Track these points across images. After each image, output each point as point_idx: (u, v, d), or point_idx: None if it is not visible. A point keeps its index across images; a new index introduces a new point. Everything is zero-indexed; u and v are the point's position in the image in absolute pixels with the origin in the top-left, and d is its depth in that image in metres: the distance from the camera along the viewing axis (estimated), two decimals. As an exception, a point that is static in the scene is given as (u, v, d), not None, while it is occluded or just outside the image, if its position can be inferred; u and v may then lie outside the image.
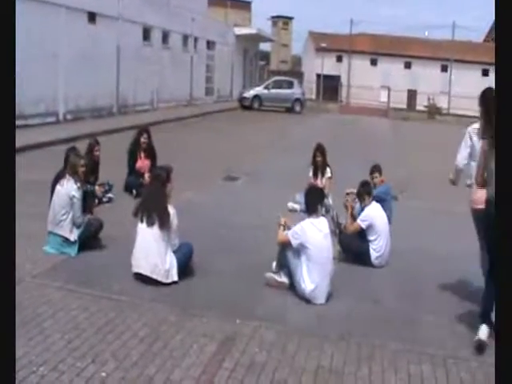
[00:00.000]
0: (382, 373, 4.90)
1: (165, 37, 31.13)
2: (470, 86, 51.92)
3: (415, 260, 8.13)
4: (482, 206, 5.76)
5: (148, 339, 5.14)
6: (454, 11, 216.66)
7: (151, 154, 11.28)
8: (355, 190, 8.29)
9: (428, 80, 64.19)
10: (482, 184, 5.60)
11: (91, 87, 22.86)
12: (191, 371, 4.65)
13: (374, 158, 13.01)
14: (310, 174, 10.98)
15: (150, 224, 6.42)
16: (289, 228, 6.65)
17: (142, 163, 11.16)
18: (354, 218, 8.12)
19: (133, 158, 11.18)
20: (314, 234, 6.37)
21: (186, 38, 34.33)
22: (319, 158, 10.86)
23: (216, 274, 6.97)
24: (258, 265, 7.09)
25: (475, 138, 6.36)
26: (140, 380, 4.47)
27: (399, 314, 6.23)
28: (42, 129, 18.67)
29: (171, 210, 6.54)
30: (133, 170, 11.13)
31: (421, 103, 58.37)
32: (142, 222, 6.50)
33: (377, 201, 8.12)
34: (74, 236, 7.29)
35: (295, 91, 39.57)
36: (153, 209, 6.47)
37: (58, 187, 7.47)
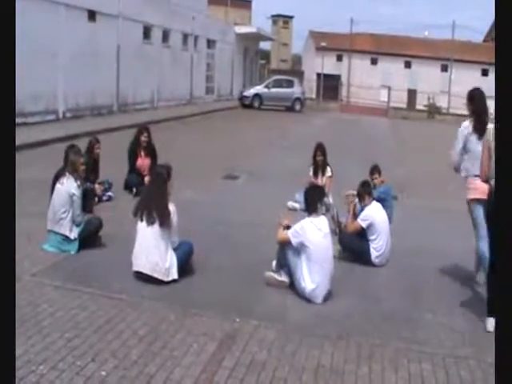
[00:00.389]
0: (382, 371, 4.90)
1: (165, 35, 31.09)
2: (469, 85, 51.67)
3: (415, 259, 8.12)
4: (479, 196, 6.57)
5: (148, 338, 5.13)
6: (453, 11, 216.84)
7: (151, 152, 11.27)
8: (354, 192, 8.27)
9: (428, 79, 64.21)
10: (486, 178, 5.94)
11: (91, 85, 22.85)
12: (191, 370, 4.64)
13: (374, 157, 13.02)
14: (311, 172, 10.97)
15: (150, 223, 6.42)
16: (289, 228, 6.63)
17: (142, 162, 11.15)
18: (355, 216, 8.10)
19: (133, 156, 11.18)
20: (314, 233, 6.36)
21: (186, 36, 34.30)
22: (320, 157, 10.86)
23: (216, 273, 6.96)
24: (258, 263, 7.09)
25: (466, 133, 6.88)
26: (140, 379, 4.46)
27: (399, 312, 6.23)
28: (41, 127, 18.65)
29: (171, 207, 6.53)
30: (133, 169, 11.12)
31: (420, 103, 58.42)
32: (141, 220, 6.49)
33: (377, 201, 8.13)
34: (73, 234, 7.28)
35: (295, 90, 39.60)
36: (153, 207, 6.45)
37: (57, 185, 7.46)
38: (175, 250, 6.57)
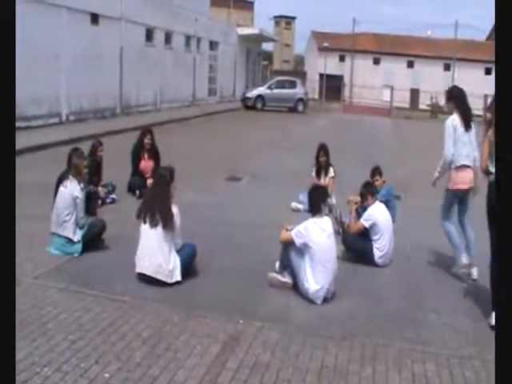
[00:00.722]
0: (386, 372, 4.89)
1: (168, 37, 31.13)
2: (472, 84, 51.80)
3: (418, 259, 8.12)
4: (461, 187, 7.28)
5: (151, 340, 5.14)
6: (456, 10, 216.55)
7: (155, 154, 11.29)
8: (358, 198, 8.25)
9: (431, 79, 64.09)
10: (486, 171, 6.13)
11: (94, 88, 22.89)
12: (195, 372, 4.65)
13: (376, 157, 13.01)
14: (314, 173, 10.97)
15: (154, 225, 6.43)
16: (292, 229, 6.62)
17: (146, 164, 11.17)
18: (359, 216, 8.08)
19: (136, 158, 11.19)
20: (318, 233, 6.36)
21: (188, 38, 34.34)
22: (323, 158, 10.85)
23: (219, 274, 6.97)
24: (261, 265, 7.09)
25: (454, 123, 7.27)
26: (143, 381, 4.46)
27: (403, 312, 6.22)
28: (44, 130, 18.69)
29: (175, 209, 6.54)
30: (136, 171, 11.13)
31: (423, 102, 58.28)
32: (144, 222, 6.50)
33: (380, 201, 8.12)
34: (77, 237, 7.30)
35: (298, 91, 39.59)
36: (156, 210, 6.46)
37: (61, 188, 7.47)
38: (178, 252, 6.57)
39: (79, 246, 7.28)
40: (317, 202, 6.62)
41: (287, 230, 6.67)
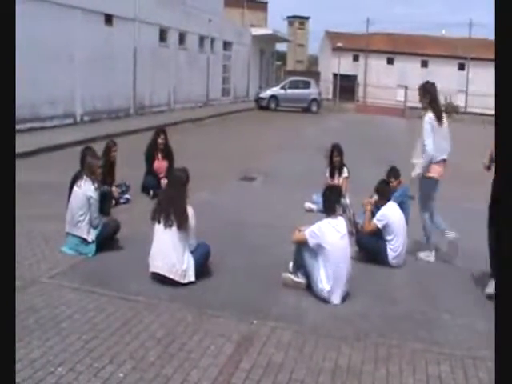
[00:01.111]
0: (399, 373, 4.87)
1: (181, 38, 31.22)
2: (487, 84, 51.56)
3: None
4: (441, 176, 7.90)
5: (165, 340, 5.14)
6: (470, 9, 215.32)
7: (168, 154, 11.32)
8: (372, 200, 8.20)
9: (445, 78, 63.52)
10: (489, 166, 6.58)
11: (108, 89, 23.02)
12: (208, 372, 4.65)
13: (390, 157, 12.93)
14: (327, 173, 10.94)
15: (168, 225, 6.43)
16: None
17: (160, 164, 11.20)
18: (373, 216, 8.03)
19: (150, 158, 11.22)
20: (332, 234, 6.34)
21: (202, 38, 34.44)
22: (336, 158, 10.83)
23: (233, 274, 6.97)
24: (275, 265, 7.08)
25: (431, 121, 7.80)
26: (157, 381, 4.47)
27: (417, 313, 6.19)
28: (59, 130, 18.80)
29: (189, 210, 6.54)
30: (150, 171, 11.16)
31: (438, 102, 57.97)
32: (159, 222, 6.51)
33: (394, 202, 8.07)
34: (91, 237, 7.33)
35: (312, 91, 39.54)
36: (171, 211, 6.46)
37: (75, 188, 7.51)
38: (192, 252, 6.58)
39: (93, 246, 7.31)
40: (331, 202, 6.60)
41: (300, 230, 6.66)
